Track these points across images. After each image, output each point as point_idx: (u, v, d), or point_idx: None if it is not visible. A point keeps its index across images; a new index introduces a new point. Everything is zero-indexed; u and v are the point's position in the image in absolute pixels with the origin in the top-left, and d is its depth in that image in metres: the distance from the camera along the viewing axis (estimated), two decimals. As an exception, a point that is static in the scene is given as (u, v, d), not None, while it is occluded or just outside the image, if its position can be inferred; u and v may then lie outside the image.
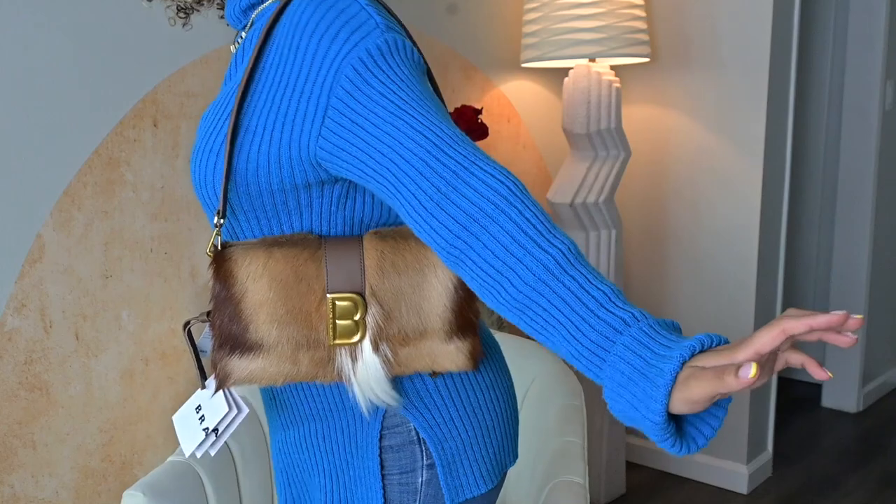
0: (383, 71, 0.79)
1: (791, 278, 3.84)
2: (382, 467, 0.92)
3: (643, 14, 2.45)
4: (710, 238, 2.75)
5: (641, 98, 2.84)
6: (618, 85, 2.47)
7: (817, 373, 0.62)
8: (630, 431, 2.99)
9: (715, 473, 2.81)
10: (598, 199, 2.49)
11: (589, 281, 0.69)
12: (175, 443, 1.84)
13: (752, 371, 0.59)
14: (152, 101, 1.74)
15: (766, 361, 0.64)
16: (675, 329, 0.68)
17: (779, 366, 0.66)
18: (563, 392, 1.68)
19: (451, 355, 0.89)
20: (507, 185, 0.73)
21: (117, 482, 1.74)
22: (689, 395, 0.62)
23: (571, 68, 2.54)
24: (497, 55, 2.61)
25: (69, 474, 1.66)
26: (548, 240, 0.71)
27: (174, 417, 0.91)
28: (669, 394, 0.63)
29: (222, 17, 1.07)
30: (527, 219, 0.71)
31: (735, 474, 2.77)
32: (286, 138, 0.82)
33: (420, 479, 0.93)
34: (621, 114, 2.65)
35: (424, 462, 0.93)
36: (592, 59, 2.48)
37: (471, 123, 2.19)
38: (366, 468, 0.93)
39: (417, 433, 0.93)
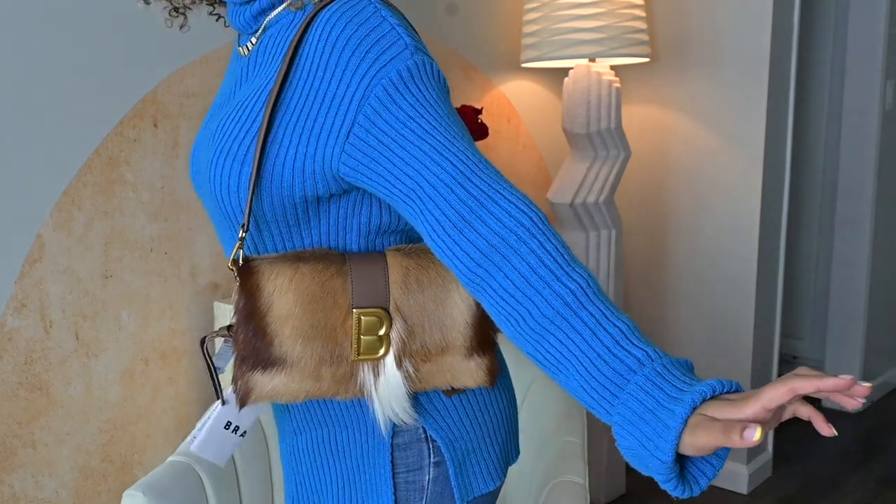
0: (412, 94, 0.80)
1: (791, 278, 3.84)
2: (393, 466, 0.93)
3: (643, 14, 2.45)
4: (710, 238, 2.75)
5: (641, 98, 2.84)
6: (618, 85, 2.47)
7: (823, 428, 0.64)
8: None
9: (715, 473, 2.80)
10: (598, 199, 2.49)
11: (606, 317, 0.70)
12: (175, 443, 1.84)
13: (756, 435, 0.62)
14: (152, 101, 1.74)
15: (773, 413, 0.67)
16: (688, 369, 0.70)
17: (785, 416, 0.68)
18: (562, 392, 1.68)
19: (470, 371, 0.90)
20: (529, 217, 0.74)
21: (117, 482, 1.74)
22: (696, 442, 0.64)
23: (571, 68, 2.54)
24: (497, 55, 2.61)
25: (69, 474, 1.66)
26: (567, 273, 0.72)
27: (195, 449, 0.90)
28: (680, 435, 0.65)
29: (211, 14, 1.06)
30: (548, 251, 0.73)
31: (735, 474, 2.77)
32: (311, 152, 0.82)
33: (427, 477, 0.93)
34: (621, 114, 2.65)
35: (431, 460, 0.93)
36: (592, 59, 2.48)
37: (471, 123, 2.19)
38: (378, 474, 0.93)
39: (425, 431, 0.93)
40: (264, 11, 0.92)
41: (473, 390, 0.95)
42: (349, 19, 0.82)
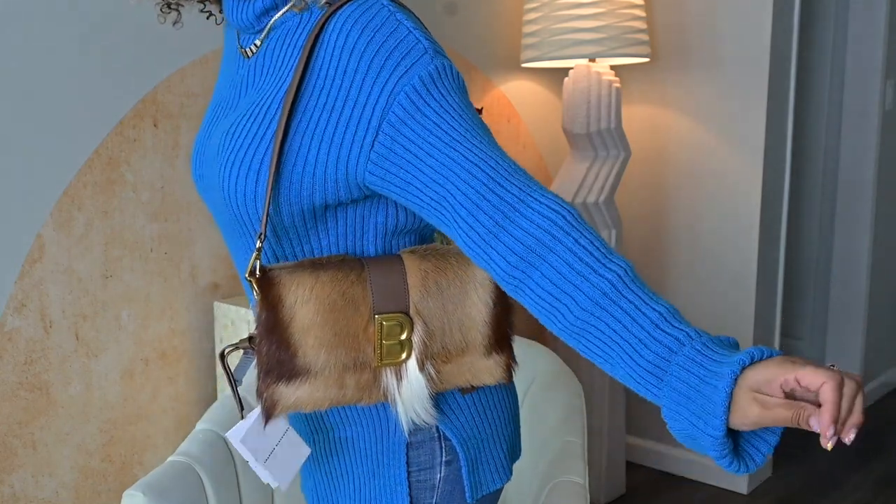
0: (436, 99, 0.80)
1: (791, 278, 3.84)
2: (408, 465, 0.93)
3: (643, 14, 2.45)
4: (710, 238, 2.75)
5: (641, 98, 2.84)
6: (618, 85, 2.47)
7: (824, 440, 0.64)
8: (630, 431, 2.99)
9: (715, 473, 2.81)
10: (598, 199, 2.49)
11: (644, 302, 0.71)
12: (175, 443, 1.84)
13: (849, 437, 0.64)
14: (152, 101, 1.74)
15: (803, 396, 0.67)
16: (730, 345, 0.70)
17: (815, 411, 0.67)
18: (563, 392, 1.68)
19: (490, 369, 0.91)
20: (562, 215, 0.75)
21: (117, 482, 1.74)
22: (750, 420, 0.65)
23: (571, 68, 2.54)
24: (497, 55, 2.61)
25: (69, 474, 1.66)
26: (603, 265, 0.73)
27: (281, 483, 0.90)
28: (727, 409, 0.66)
29: (202, 11, 1.04)
30: (583, 246, 0.74)
31: (735, 474, 2.76)
32: (332, 160, 0.82)
33: (438, 476, 0.94)
34: (621, 114, 2.65)
35: (443, 458, 0.94)
36: (592, 59, 2.48)
37: (471, 123, 2.19)
38: (392, 474, 0.93)
39: (438, 430, 0.93)
40: (268, 11, 0.90)
41: (484, 388, 0.96)
42: (365, 24, 0.81)
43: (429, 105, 0.79)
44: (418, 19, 0.87)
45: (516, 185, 0.77)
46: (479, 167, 0.77)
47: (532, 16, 2.48)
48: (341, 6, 0.83)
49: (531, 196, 0.76)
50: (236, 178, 0.85)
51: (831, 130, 3.66)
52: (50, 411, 1.62)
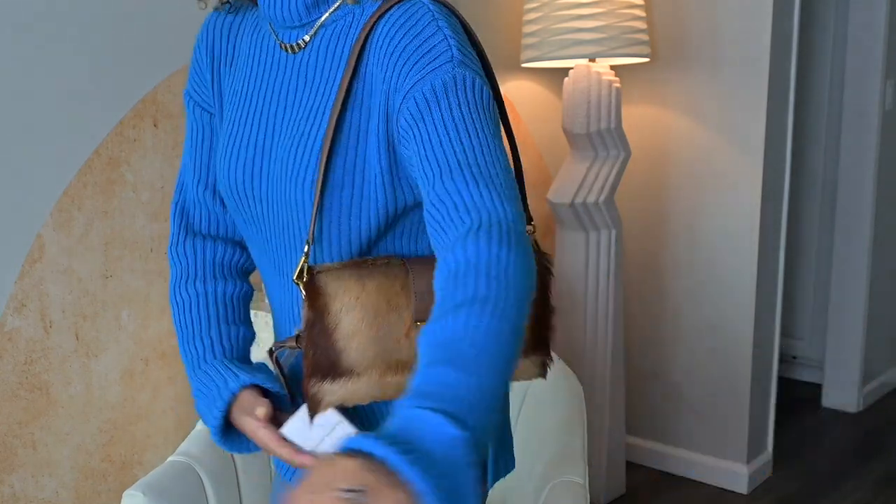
0: (441, 109, 0.80)
1: (791, 278, 3.84)
2: None
3: (643, 14, 2.45)
4: (710, 238, 2.75)
5: (641, 98, 2.84)
6: (618, 85, 2.47)
7: None
8: (630, 431, 2.99)
9: (715, 473, 2.81)
10: (598, 199, 2.49)
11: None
12: (175, 443, 1.84)
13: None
14: (152, 101, 1.74)
15: None
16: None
17: None
18: (563, 392, 1.68)
19: (527, 368, 0.93)
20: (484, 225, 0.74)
21: (117, 482, 1.74)
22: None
23: (571, 68, 2.54)
24: (497, 55, 2.61)
25: (69, 474, 1.66)
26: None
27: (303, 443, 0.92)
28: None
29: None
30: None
31: (735, 474, 2.77)
32: (380, 164, 0.85)
33: None
34: (621, 114, 2.65)
35: None
36: (592, 59, 2.48)
37: (471, 123, 2.19)
38: None
39: None
40: (318, 5, 0.89)
41: None
42: (407, 30, 0.83)
43: (431, 114, 0.80)
44: (461, 23, 0.87)
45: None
46: (442, 200, 0.77)
47: (532, 16, 2.48)
48: (390, 7, 0.85)
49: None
50: (293, 178, 0.87)
51: (831, 130, 3.66)
52: (50, 411, 1.62)
